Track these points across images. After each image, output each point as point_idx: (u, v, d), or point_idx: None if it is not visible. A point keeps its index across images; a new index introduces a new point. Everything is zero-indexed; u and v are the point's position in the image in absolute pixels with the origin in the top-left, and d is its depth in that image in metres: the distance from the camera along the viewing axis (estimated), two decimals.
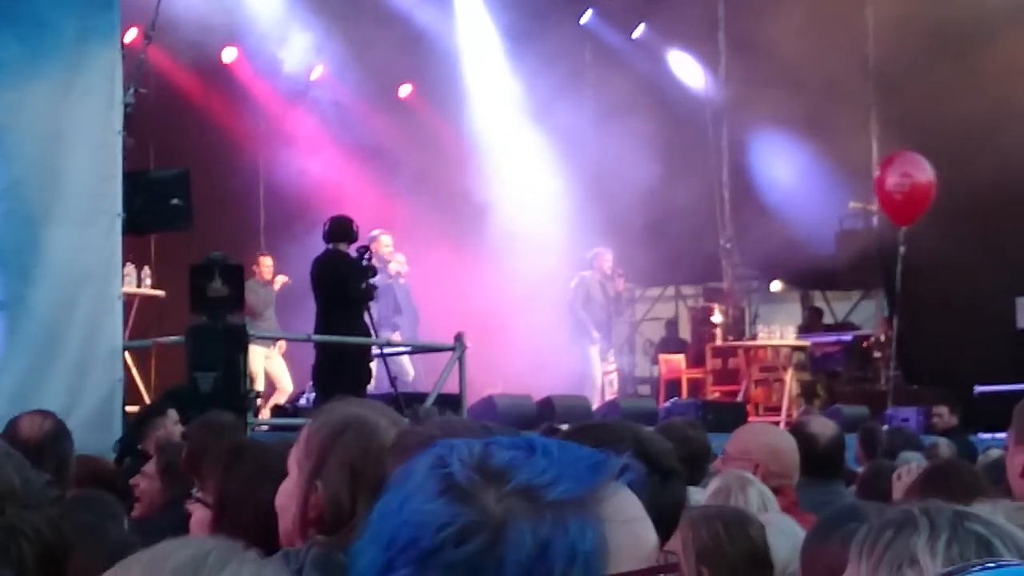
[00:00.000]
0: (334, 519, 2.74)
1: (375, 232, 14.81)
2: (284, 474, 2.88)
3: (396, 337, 14.98)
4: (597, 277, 16.09)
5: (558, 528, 1.26)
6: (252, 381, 12.10)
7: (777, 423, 14.10)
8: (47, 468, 4.96)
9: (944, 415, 12.71)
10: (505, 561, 1.25)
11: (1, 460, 2.05)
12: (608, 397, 15.53)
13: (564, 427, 5.85)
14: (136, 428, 8.72)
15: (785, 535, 3.73)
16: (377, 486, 2.67)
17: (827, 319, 19.69)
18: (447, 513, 1.27)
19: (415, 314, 15.46)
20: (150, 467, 5.67)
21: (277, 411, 13.46)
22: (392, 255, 15.08)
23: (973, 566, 1.32)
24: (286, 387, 14.67)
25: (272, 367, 14.68)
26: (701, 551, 3.43)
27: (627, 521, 1.30)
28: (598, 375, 15.99)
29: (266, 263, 15.01)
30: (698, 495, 4.60)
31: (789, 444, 5.18)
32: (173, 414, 8.44)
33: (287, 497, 2.82)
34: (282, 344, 14.67)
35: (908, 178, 12.34)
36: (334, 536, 2.72)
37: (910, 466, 5.96)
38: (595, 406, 14.47)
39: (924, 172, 12.39)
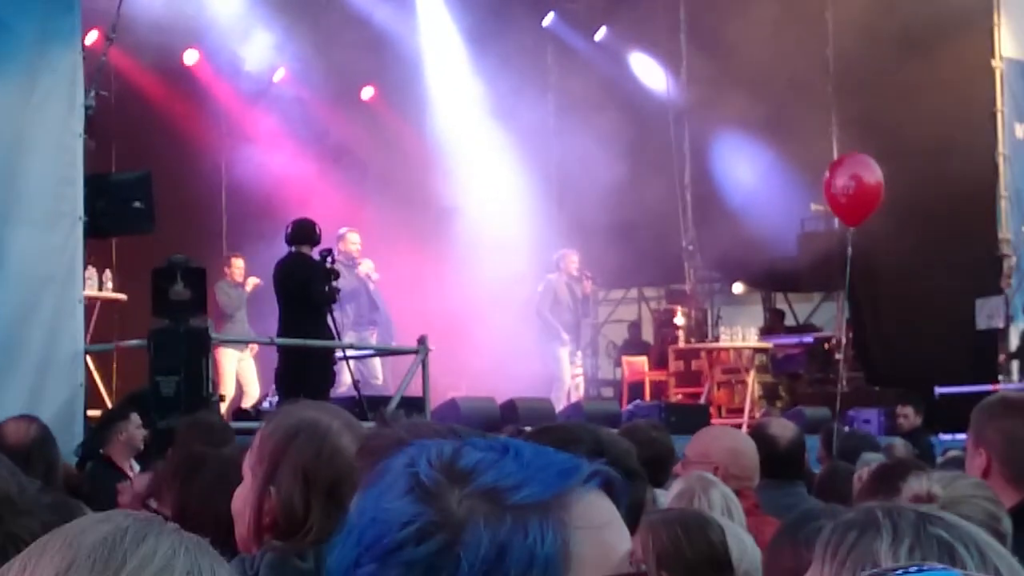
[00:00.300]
0: (288, 524, 2.71)
1: (343, 230, 14.82)
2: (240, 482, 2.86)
3: (372, 338, 15.01)
4: (564, 279, 16.08)
5: (517, 531, 1.25)
6: (215, 385, 12.07)
7: (740, 425, 14.16)
8: (35, 474, 4.96)
9: (910, 415, 12.77)
10: (461, 561, 1.24)
11: None
12: (574, 399, 15.56)
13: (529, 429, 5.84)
14: (98, 432, 8.70)
15: (731, 537, 3.75)
16: (330, 489, 2.69)
17: (789, 321, 19.77)
18: (410, 512, 1.27)
19: (388, 318, 15.48)
20: (140, 481, 5.53)
21: (239, 414, 13.41)
22: (360, 254, 15.07)
23: (895, 570, 1.33)
24: (252, 391, 14.62)
25: (242, 370, 14.63)
26: (661, 554, 3.44)
27: (594, 527, 1.29)
28: (567, 378, 16.00)
29: (237, 264, 14.94)
30: (662, 497, 4.61)
31: (749, 447, 5.20)
32: (135, 418, 8.43)
33: (242, 503, 2.80)
34: (254, 347, 14.63)
35: (856, 180, 12.40)
36: (289, 541, 2.70)
37: (871, 467, 6.00)
38: (561, 408, 14.49)
39: (872, 174, 12.45)
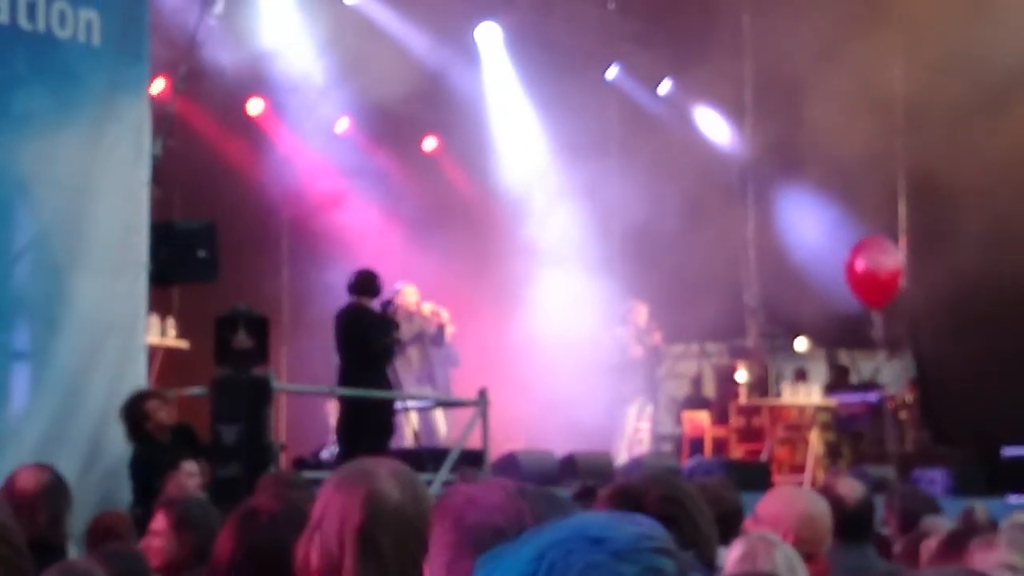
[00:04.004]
0: (329, 569, 2.72)
1: (398, 285, 14.68)
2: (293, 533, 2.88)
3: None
4: (632, 332, 15.98)
5: None
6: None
7: (801, 483, 13.98)
8: (41, 522, 5.10)
9: None
10: None
11: None
12: (637, 453, 15.46)
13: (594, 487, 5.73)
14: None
15: None
16: (362, 533, 2.69)
17: (853, 378, 19.53)
18: None
19: (446, 375, 15.45)
20: (160, 524, 5.39)
21: (298, 463, 13.41)
22: (418, 305, 14.99)
23: None
24: None
25: None
26: None
27: None
28: (629, 434, 15.91)
29: None
30: (724, 555, 4.55)
31: (823, 511, 5.05)
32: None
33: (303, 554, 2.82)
34: None
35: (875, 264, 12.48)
36: None
37: (939, 533, 5.87)
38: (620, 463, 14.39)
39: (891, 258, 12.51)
